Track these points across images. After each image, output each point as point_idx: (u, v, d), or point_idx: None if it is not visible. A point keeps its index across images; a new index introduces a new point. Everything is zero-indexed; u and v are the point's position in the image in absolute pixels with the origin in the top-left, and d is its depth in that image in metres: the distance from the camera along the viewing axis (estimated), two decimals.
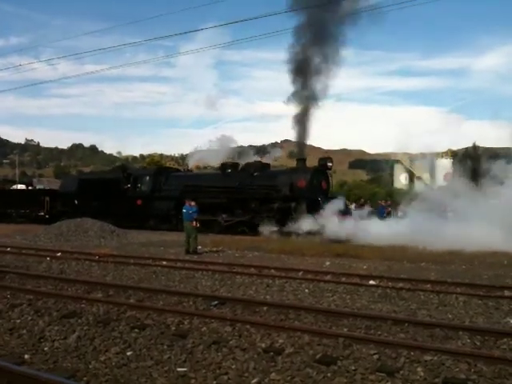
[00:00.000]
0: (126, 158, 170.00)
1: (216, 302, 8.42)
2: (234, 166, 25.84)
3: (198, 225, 16.62)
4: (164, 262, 13.58)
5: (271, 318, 7.44)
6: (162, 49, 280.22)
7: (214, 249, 17.28)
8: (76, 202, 29.60)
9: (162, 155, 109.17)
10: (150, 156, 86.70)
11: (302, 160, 23.82)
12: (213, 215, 24.11)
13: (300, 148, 24.57)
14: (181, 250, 16.31)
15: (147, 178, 27.71)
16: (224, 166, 25.88)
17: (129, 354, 5.90)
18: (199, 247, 17.00)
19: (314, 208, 20.92)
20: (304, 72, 22.51)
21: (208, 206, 23.99)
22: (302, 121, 22.90)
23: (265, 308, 8.02)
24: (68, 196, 30.47)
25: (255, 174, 24.15)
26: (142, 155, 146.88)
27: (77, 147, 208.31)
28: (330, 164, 23.81)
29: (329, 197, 22.56)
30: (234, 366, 5.45)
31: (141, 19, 45.92)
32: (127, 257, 14.69)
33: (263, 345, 6.13)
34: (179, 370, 5.37)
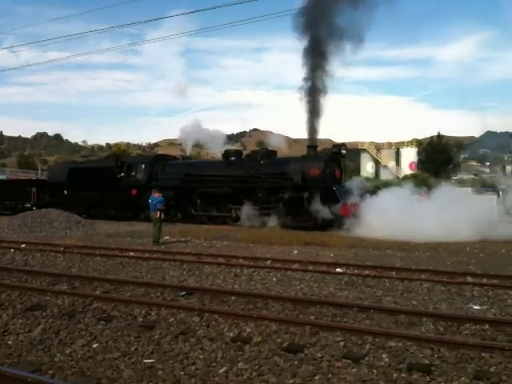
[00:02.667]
0: (92, 147, 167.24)
1: (184, 293, 8.40)
2: (238, 153, 24.68)
3: (163, 216, 16.47)
4: (131, 253, 13.46)
5: (239, 308, 7.48)
6: (127, 36, 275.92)
7: (182, 239, 17.21)
8: (65, 192, 28.12)
9: (128, 144, 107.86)
10: (117, 145, 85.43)
11: (313, 147, 22.42)
12: (220, 207, 23.30)
13: (311, 135, 22.58)
14: (149, 240, 16.18)
15: (143, 166, 26.13)
16: (227, 153, 24.43)
17: (95, 346, 5.84)
18: (166, 237, 16.92)
19: (329, 198, 19.84)
20: (317, 61, 21.39)
21: (211, 196, 23.28)
22: (313, 107, 21.69)
23: (233, 297, 8.04)
24: (57, 186, 28.82)
25: (262, 161, 22.78)
26: (108, 144, 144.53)
27: (41, 136, 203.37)
28: (344, 151, 22.30)
29: (343, 186, 21.51)
30: (201, 356, 5.45)
31: (106, 6, 44.99)
32: (93, 248, 14.49)
33: (231, 334, 6.16)
34: (146, 361, 5.35)
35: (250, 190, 22.33)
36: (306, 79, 21.78)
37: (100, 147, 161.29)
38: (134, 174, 26.23)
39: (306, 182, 20.89)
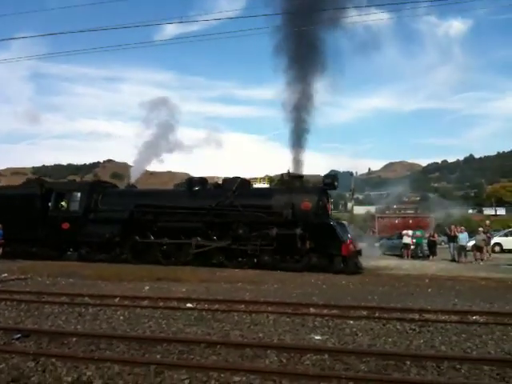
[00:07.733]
0: None
1: (19, 335, 7.71)
2: (203, 182, 21.79)
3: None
4: None
5: (80, 350, 7.03)
6: None
7: (22, 276, 15.89)
8: None
9: None
10: None
11: (299, 177, 20.31)
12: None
13: (297, 164, 20.55)
14: None
15: (78, 194, 22.19)
16: (191, 181, 21.69)
17: None
18: (4, 275, 15.55)
19: (325, 235, 18.11)
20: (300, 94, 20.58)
21: (173, 232, 20.28)
22: (298, 137, 20.46)
23: (74, 339, 7.55)
24: None
25: (237, 192, 20.03)
26: None
27: None
28: (336, 183, 20.20)
29: (338, 222, 20.23)
30: None
31: None
32: None
33: (69, 379, 5.76)
34: None
35: (224, 224, 19.72)
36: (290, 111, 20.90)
37: None
38: (65, 203, 22.37)
39: (296, 217, 18.71)
